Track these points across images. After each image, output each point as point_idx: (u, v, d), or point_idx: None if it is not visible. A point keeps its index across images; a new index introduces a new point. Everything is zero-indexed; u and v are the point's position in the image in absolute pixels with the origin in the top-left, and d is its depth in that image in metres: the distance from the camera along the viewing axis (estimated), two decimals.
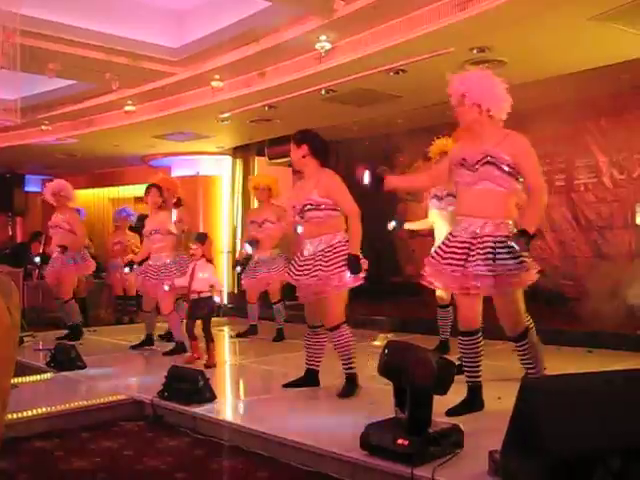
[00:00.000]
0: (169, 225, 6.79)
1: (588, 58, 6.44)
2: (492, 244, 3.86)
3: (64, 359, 5.87)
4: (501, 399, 4.18)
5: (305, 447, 3.60)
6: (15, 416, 4.13)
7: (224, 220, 11.88)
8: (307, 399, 4.79)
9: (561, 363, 5.50)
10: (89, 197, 14.49)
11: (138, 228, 10.18)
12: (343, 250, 4.63)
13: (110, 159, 12.04)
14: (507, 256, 3.84)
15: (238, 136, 10.66)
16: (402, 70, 6.84)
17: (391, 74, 6.95)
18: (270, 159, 10.85)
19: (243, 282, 7.79)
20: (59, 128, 9.80)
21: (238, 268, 8.14)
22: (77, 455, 3.83)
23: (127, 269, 7.04)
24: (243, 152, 11.57)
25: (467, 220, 4.01)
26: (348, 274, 4.58)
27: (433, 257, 4.13)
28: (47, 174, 14.54)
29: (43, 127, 9.62)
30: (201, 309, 5.96)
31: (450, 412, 3.90)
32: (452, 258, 3.97)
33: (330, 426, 4.09)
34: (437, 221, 5.91)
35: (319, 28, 6.11)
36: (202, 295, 5.91)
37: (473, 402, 4.10)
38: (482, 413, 4.10)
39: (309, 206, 4.70)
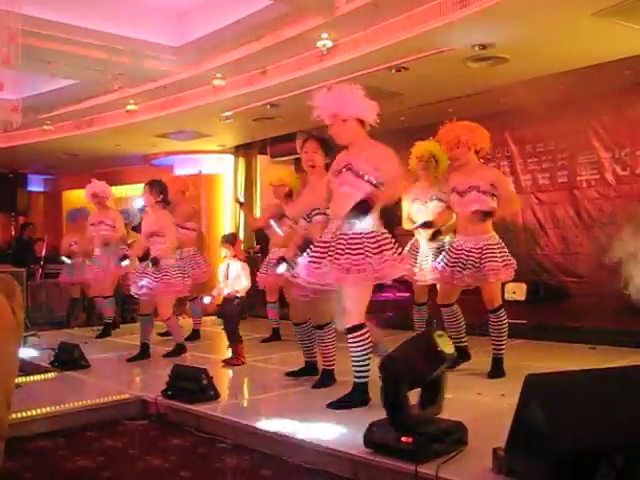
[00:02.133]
0: (168, 225, 6.49)
1: (591, 54, 6.43)
2: (344, 242, 4.10)
3: (68, 358, 5.88)
4: (505, 396, 4.18)
5: (309, 445, 3.60)
6: (19, 415, 4.14)
7: (226, 219, 11.89)
8: (310, 397, 4.79)
9: (564, 360, 5.51)
10: None
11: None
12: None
13: (112, 159, 12.05)
14: (356, 252, 4.06)
15: (240, 135, 10.66)
16: (404, 67, 6.84)
17: (393, 71, 6.94)
18: (272, 157, 10.85)
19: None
20: (61, 128, 9.81)
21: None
22: (81, 454, 3.84)
23: (124, 262, 7.16)
24: (245, 150, 11.57)
25: (335, 222, 4.25)
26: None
27: (305, 258, 4.35)
28: (49, 174, 14.57)
29: (45, 127, 9.63)
30: (232, 309, 6.05)
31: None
32: (315, 257, 4.22)
33: (334, 424, 4.09)
34: None
35: (320, 26, 6.12)
36: (234, 295, 6.03)
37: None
38: (486, 410, 4.11)
39: (316, 211, 4.77)
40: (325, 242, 4.25)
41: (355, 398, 4.25)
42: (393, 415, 3.21)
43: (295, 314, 5.18)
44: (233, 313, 6.07)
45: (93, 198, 8.27)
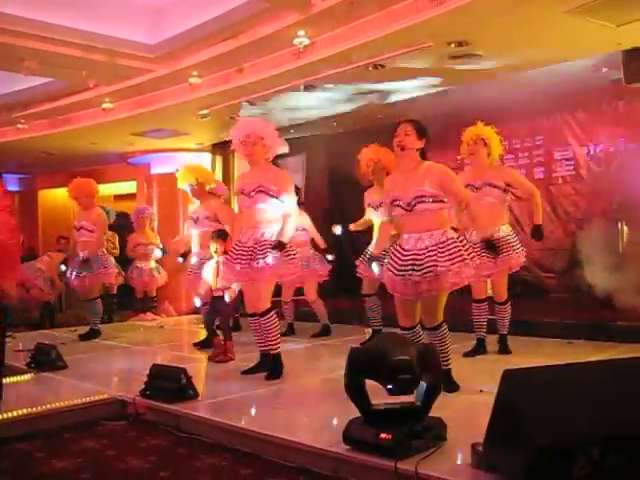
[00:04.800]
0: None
1: (565, 51, 6.48)
2: (269, 246, 5.11)
3: (44, 359, 5.82)
4: (483, 392, 4.21)
5: (288, 443, 3.60)
6: None
7: None
8: (289, 395, 4.80)
9: (541, 355, 5.56)
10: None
11: (122, 226, 10.14)
12: (456, 245, 4.27)
13: (89, 157, 11.93)
14: (279, 255, 5.10)
15: (217, 132, 10.61)
16: (381, 65, 6.85)
17: (370, 69, 6.95)
18: None
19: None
20: (36, 126, 9.70)
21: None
22: (59, 456, 3.80)
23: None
24: (223, 149, 11.52)
25: (250, 230, 5.25)
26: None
27: (227, 258, 5.37)
28: (25, 173, 14.39)
29: (19, 125, 9.52)
30: (224, 305, 6.15)
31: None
32: (241, 258, 5.19)
33: (313, 421, 4.10)
34: (375, 225, 6.52)
35: (297, 23, 6.11)
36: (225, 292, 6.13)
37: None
38: (464, 406, 4.13)
39: (419, 198, 4.31)
40: (249, 247, 5.16)
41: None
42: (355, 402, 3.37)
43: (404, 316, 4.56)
44: (225, 310, 6.16)
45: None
